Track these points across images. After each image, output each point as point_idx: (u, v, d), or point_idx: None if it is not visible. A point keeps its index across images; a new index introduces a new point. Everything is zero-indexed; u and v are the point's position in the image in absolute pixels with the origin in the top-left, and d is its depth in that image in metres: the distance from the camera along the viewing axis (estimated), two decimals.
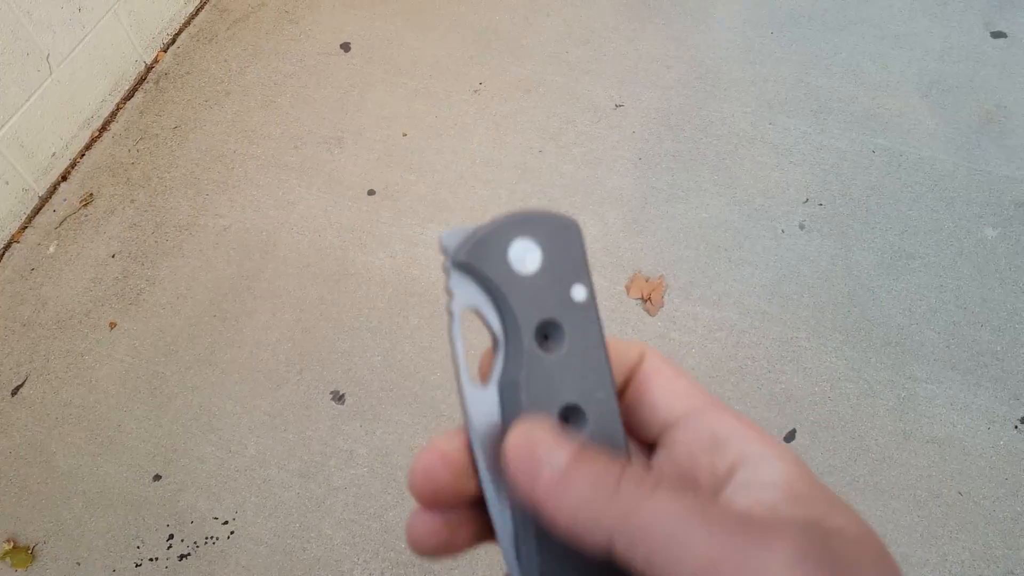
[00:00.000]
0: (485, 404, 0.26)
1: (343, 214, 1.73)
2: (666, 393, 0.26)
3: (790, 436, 1.43)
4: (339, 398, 1.49)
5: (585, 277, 0.26)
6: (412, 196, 1.75)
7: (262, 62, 2.02)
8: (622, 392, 0.28)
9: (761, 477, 0.23)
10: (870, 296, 1.59)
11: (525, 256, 0.26)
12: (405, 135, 1.85)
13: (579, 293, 0.26)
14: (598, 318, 0.26)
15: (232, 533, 1.36)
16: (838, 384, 1.49)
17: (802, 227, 1.69)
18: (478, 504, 0.26)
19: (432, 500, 0.25)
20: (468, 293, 0.26)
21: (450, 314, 0.26)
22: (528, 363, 0.25)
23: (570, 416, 0.26)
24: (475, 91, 1.93)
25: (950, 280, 1.61)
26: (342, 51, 2.03)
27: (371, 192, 1.76)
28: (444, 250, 0.26)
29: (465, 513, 0.26)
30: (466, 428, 0.26)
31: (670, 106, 1.89)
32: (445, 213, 1.72)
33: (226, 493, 1.39)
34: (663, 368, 0.27)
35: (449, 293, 0.26)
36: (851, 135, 1.83)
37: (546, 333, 0.26)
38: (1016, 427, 1.44)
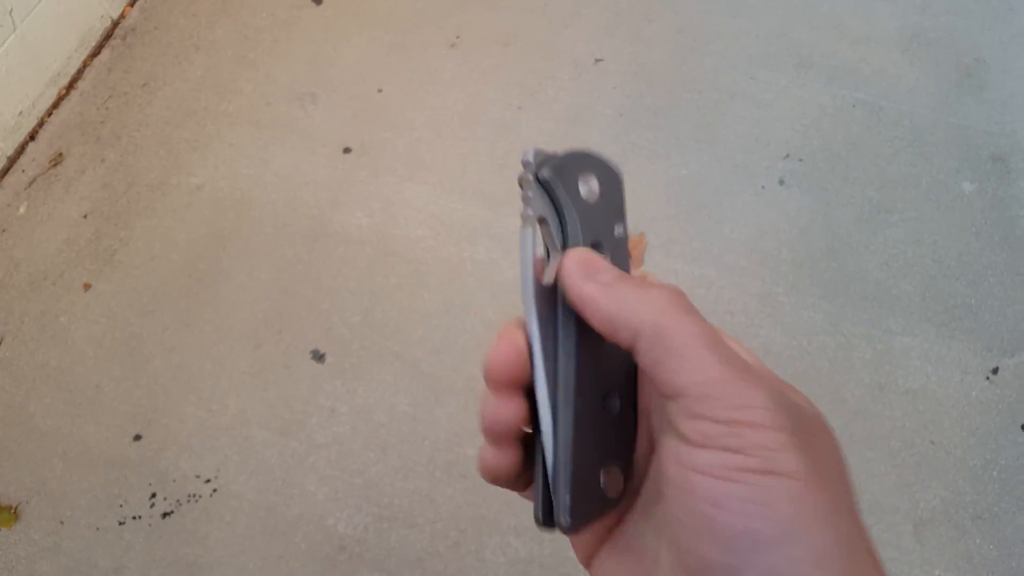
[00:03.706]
0: (545, 297, 0.30)
1: (319, 172, 1.70)
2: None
3: None
4: (319, 357, 1.48)
5: (624, 219, 0.32)
6: (389, 154, 1.72)
7: (232, 16, 1.96)
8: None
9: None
10: (848, 251, 1.60)
11: (589, 188, 0.31)
12: (380, 91, 1.82)
13: (619, 230, 0.31)
14: (627, 253, 0.32)
15: (215, 491, 1.36)
16: (815, 338, 1.51)
17: (782, 183, 1.69)
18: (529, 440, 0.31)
19: (504, 384, 0.29)
20: (542, 205, 0.30)
21: (524, 219, 0.30)
22: None
23: None
24: (452, 45, 1.89)
25: (927, 234, 1.62)
26: (314, 3, 1.98)
27: (347, 150, 1.73)
28: (527, 164, 0.31)
29: (520, 451, 0.30)
30: (528, 318, 0.30)
31: (651, 61, 1.87)
32: (423, 171, 1.70)
33: (207, 452, 1.39)
34: None
35: (526, 201, 0.30)
36: (832, 89, 1.82)
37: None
38: (988, 378, 1.46)
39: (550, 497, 0.28)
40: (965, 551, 1.31)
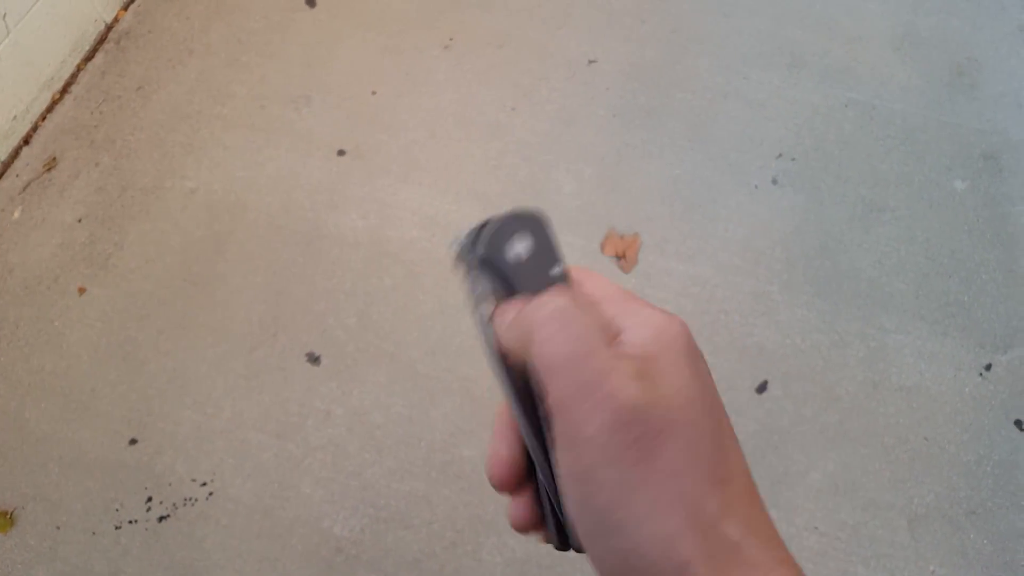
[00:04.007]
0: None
1: (313, 175, 1.70)
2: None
3: (762, 387, 1.45)
4: (314, 360, 1.48)
5: (558, 258, 0.34)
6: (383, 156, 1.73)
7: (225, 19, 1.96)
8: None
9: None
10: (841, 249, 1.61)
11: (520, 247, 0.33)
12: (374, 93, 1.82)
13: (556, 270, 0.33)
14: (570, 284, 0.34)
15: (211, 494, 1.36)
16: (809, 336, 1.51)
17: (775, 182, 1.69)
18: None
19: (509, 487, 0.33)
20: (485, 282, 0.33)
21: (476, 302, 0.33)
22: None
23: None
24: (445, 47, 1.90)
25: (919, 232, 1.63)
26: (307, 6, 1.98)
27: (341, 152, 1.73)
28: (463, 249, 0.33)
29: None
30: (501, 386, 0.33)
31: (644, 61, 1.87)
32: (417, 173, 1.70)
33: (203, 455, 1.39)
34: (586, 280, 0.34)
35: (472, 286, 0.33)
36: (824, 89, 1.82)
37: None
38: (981, 374, 1.47)
39: (561, 526, 0.32)
40: (959, 546, 1.32)
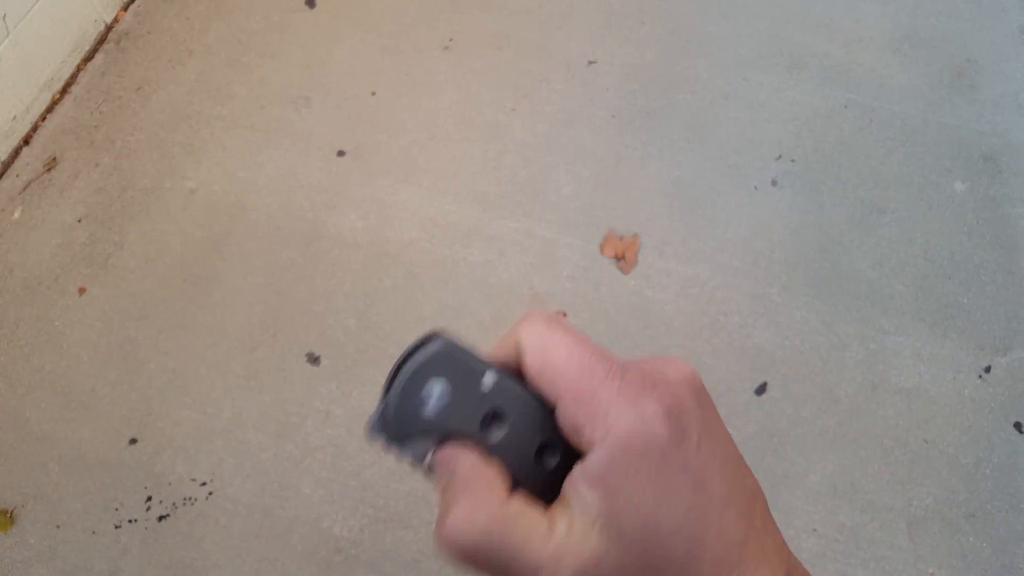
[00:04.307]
0: None
1: (313, 175, 1.70)
2: (546, 374, 0.30)
3: (761, 389, 1.45)
4: (314, 360, 1.48)
5: (483, 366, 0.31)
6: (383, 156, 1.73)
7: (225, 19, 1.97)
8: (523, 375, 0.32)
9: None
10: (841, 250, 1.61)
11: (435, 393, 0.30)
12: (374, 94, 1.82)
13: (488, 379, 0.30)
14: (512, 378, 0.31)
15: (210, 494, 1.36)
16: (809, 337, 1.51)
17: (775, 183, 1.69)
18: None
19: None
20: (417, 446, 0.30)
21: (424, 470, 0.31)
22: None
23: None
24: (445, 47, 1.90)
25: (919, 234, 1.63)
26: (307, 7, 1.98)
27: (341, 153, 1.73)
28: (374, 433, 0.30)
29: None
30: None
31: (644, 62, 1.88)
32: (417, 173, 1.70)
33: (203, 455, 1.40)
34: (537, 349, 0.30)
35: (403, 457, 0.30)
36: (824, 90, 1.82)
37: (490, 419, 0.31)
38: (980, 376, 1.47)
39: None
40: (958, 549, 1.32)
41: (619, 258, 1.60)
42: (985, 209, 1.66)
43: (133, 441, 1.41)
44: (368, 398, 1.44)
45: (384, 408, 0.30)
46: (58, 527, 1.35)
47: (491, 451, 0.30)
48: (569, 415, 0.28)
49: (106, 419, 1.43)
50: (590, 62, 1.87)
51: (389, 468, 1.38)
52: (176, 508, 1.35)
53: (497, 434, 0.30)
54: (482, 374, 0.30)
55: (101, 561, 1.32)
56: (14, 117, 1.76)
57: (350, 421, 1.42)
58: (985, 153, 1.73)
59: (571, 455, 0.29)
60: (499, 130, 1.76)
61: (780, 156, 1.73)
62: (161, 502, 1.36)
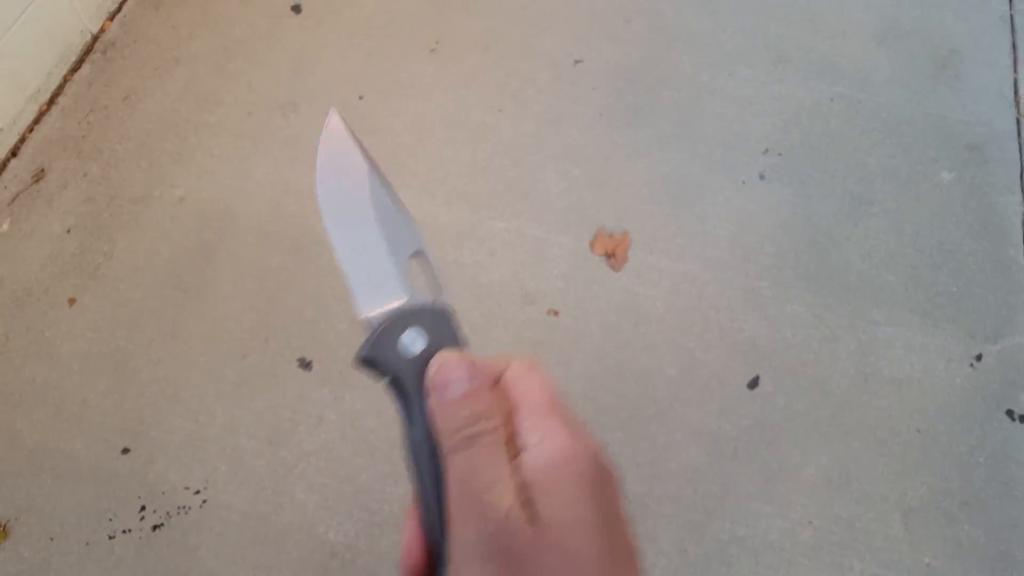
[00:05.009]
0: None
1: (301, 181, 1.70)
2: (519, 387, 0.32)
3: (754, 383, 1.46)
4: (306, 365, 1.48)
5: (459, 345, 0.34)
6: None
7: (211, 27, 1.97)
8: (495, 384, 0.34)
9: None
10: (830, 243, 1.61)
11: (414, 342, 0.33)
12: (361, 98, 1.82)
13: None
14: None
15: (204, 502, 1.36)
16: (800, 330, 1.51)
17: (762, 177, 1.70)
18: None
19: None
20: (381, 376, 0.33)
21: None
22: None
23: None
24: (432, 50, 1.90)
25: (908, 224, 1.64)
26: (293, 13, 1.98)
27: None
28: (357, 358, 0.33)
29: None
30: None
31: (630, 60, 1.88)
32: (407, 176, 1.70)
33: (196, 463, 1.39)
34: (519, 380, 0.33)
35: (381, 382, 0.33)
36: (809, 84, 1.83)
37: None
38: (972, 365, 1.48)
39: None
40: (954, 538, 1.32)
41: (609, 256, 1.60)
42: (972, 198, 1.67)
43: (126, 451, 1.41)
44: (361, 402, 1.44)
45: (370, 336, 0.33)
46: (52, 539, 1.34)
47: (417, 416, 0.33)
48: (521, 418, 0.31)
49: (98, 429, 1.43)
50: (576, 61, 1.88)
51: (383, 472, 1.38)
52: (170, 517, 1.35)
53: None
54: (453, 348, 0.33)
55: (96, 572, 1.31)
56: (1, 129, 1.75)
57: (343, 425, 1.42)
58: (971, 143, 1.74)
59: None
60: (487, 131, 1.77)
61: (767, 150, 1.73)
62: (155, 511, 1.36)
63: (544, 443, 0.29)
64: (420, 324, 0.34)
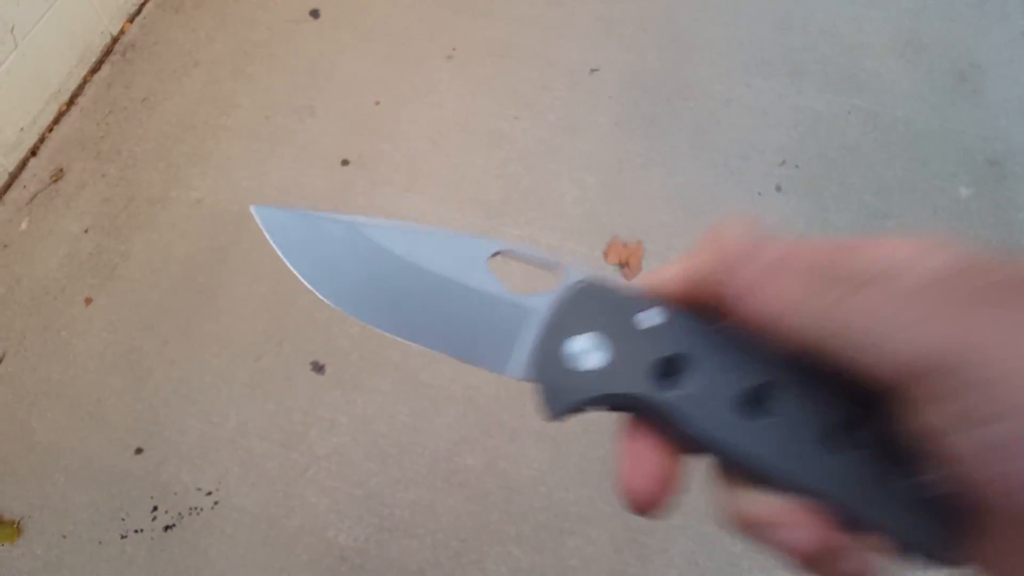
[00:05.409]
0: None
1: (317, 185, 1.71)
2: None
3: None
4: (319, 368, 1.49)
5: (638, 303, 0.25)
6: (387, 165, 1.73)
7: (230, 31, 1.98)
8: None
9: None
10: None
11: (585, 350, 0.25)
12: (378, 103, 1.83)
13: (650, 318, 0.25)
14: (681, 311, 0.25)
15: (216, 503, 1.37)
16: None
17: (779, 189, 1.69)
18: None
19: (658, 504, 0.25)
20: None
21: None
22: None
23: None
24: (448, 56, 1.91)
25: None
26: (311, 18, 1.99)
27: (345, 162, 1.74)
28: (550, 416, 0.26)
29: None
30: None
31: (646, 69, 1.88)
32: (421, 182, 1.71)
33: (208, 464, 1.40)
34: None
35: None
36: (827, 96, 1.83)
37: (665, 370, 0.25)
38: None
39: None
40: None
41: (623, 265, 1.60)
42: (991, 214, 1.65)
43: (139, 451, 1.42)
44: (373, 406, 1.44)
45: (540, 391, 0.26)
46: (64, 537, 1.35)
47: (669, 410, 0.24)
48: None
49: (112, 429, 1.44)
50: (592, 70, 1.88)
51: (394, 477, 1.38)
52: (182, 518, 1.36)
53: (681, 386, 0.24)
54: (640, 310, 0.25)
55: (107, 571, 1.32)
56: (21, 128, 1.77)
57: (355, 429, 1.42)
58: (990, 158, 1.73)
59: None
60: (502, 138, 1.77)
61: (784, 162, 1.73)
62: (167, 512, 1.36)
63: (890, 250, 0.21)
64: (587, 328, 0.25)
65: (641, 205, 1.67)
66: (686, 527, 1.33)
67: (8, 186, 1.75)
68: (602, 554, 1.30)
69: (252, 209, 0.28)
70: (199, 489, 1.38)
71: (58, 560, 1.33)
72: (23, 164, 1.78)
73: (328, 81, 1.87)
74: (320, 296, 0.29)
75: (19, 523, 1.37)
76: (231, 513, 1.35)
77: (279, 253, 0.29)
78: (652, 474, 0.25)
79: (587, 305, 0.26)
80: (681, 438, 0.25)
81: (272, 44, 1.95)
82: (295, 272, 0.29)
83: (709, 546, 1.31)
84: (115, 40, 1.98)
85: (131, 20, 2.02)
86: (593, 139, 1.77)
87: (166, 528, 1.35)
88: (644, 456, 0.25)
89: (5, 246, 1.67)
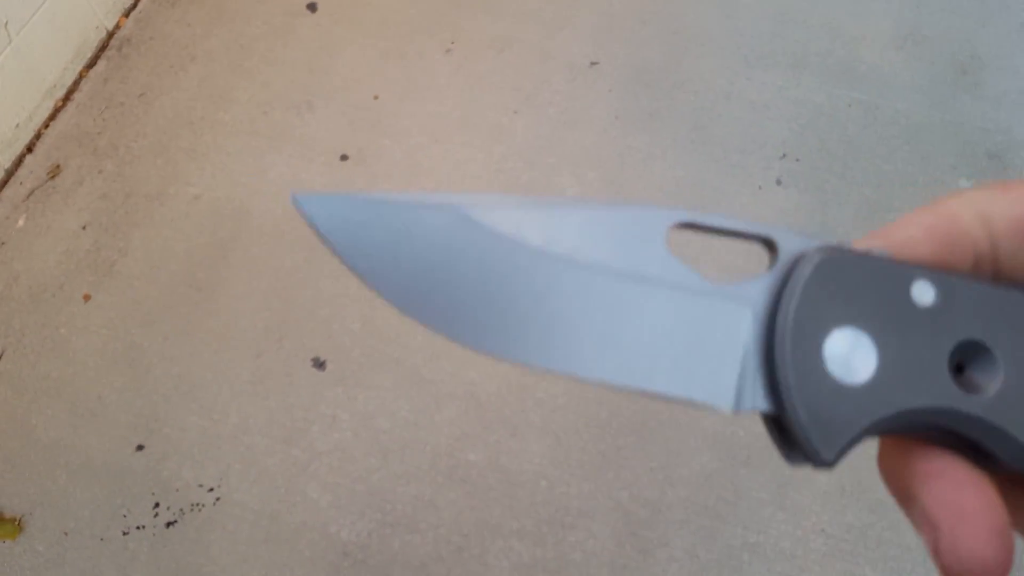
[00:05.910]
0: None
1: (316, 180, 1.70)
2: None
3: None
4: (320, 365, 1.49)
5: (905, 272, 0.19)
6: (386, 161, 1.73)
7: (226, 25, 1.97)
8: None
9: None
10: None
11: (855, 351, 0.18)
12: (376, 98, 1.82)
13: (924, 294, 0.18)
14: (964, 279, 0.18)
15: (218, 500, 1.36)
16: None
17: (779, 182, 1.69)
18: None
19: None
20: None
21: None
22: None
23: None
24: (447, 51, 1.90)
25: None
26: (308, 11, 1.98)
27: (344, 157, 1.73)
28: (797, 463, 0.19)
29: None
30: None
31: (646, 63, 1.87)
32: (421, 177, 1.70)
33: (210, 461, 1.40)
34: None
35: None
36: (827, 89, 1.82)
37: (958, 365, 0.19)
38: None
39: None
40: None
41: None
42: None
43: (140, 447, 1.42)
44: (374, 402, 1.44)
45: (800, 426, 0.18)
46: (66, 534, 1.35)
47: (977, 422, 0.18)
48: None
49: (113, 426, 1.44)
50: (592, 63, 1.87)
51: (395, 472, 1.38)
52: (183, 514, 1.36)
53: (985, 388, 0.18)
54: (913, 282, 0.18)
55: (109, 568, 1.32)
56: (17, 125, 1.76)
57: (357, 425, 1.42)
58: (990, 150, 1.72)
59: None
60: (502, 133, 1.76)
61: (784, 155, 1.73)
62: (168, 508, 1.36)
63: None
64: (850, 319, 0.18)
65: (642, 199, 1.67)
66: (687, 521, 1.33)
67: (4, 183, 1.74)
68: (603, 548, 1.31)
69: (293, 198, 0.19)
70: (201, 485, 1.38)
71: (60, 557, 1.33)
72: (19, 161, 1.77)
73: (326, 75, 1.86)
74: (420, 322, 0.19)
75: (20, 520, 1.37)
76: (233, 509, 1.35)
77: (341, 259, 0.19)
78: (993, 527, 0.17)
79: (839, 285, 0.18)
80: (997, 462, 0.18)
81: (269, 38, 1.94)
82: (374, 289, 0.19)
83: (709, 539, 1.32)
84: (111, 35, 1.97)
85: (127, 15, 2.00)
86: (593, 133, 1.76)
87: (168, 524, 1.35)
88: (970, 502, 0.17)
89: (2, 243, 1.66)
